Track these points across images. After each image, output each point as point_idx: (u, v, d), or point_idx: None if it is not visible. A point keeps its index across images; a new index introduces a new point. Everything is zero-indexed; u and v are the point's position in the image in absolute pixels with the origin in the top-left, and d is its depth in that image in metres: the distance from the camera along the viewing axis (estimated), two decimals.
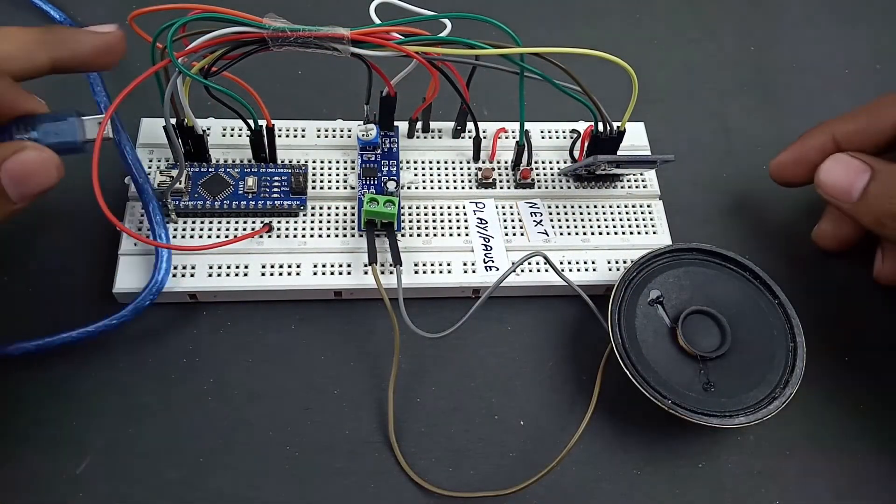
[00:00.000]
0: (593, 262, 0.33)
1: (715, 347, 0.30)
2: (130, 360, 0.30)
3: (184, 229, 0.32)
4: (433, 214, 0.33)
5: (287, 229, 0.32)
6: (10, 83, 0.26)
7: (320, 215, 0.33)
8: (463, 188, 0.34)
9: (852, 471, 0.30)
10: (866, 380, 0.33)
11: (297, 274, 0.31)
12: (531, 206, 0.34)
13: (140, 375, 0.30)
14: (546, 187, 0.35)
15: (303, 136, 0.35)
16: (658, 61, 0.42)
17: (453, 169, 0.35)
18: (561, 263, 0.33)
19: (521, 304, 0.33)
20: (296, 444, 0.29)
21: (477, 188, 0.34)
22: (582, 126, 0.36)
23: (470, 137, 0.35)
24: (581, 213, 0.34)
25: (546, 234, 0.33)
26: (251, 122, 0.31)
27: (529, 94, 0.31)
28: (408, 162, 0.35)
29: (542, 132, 0.36)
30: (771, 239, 0.36)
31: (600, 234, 0.34)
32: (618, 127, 0.32)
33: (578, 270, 0.33)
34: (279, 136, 0.34)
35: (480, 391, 0.31)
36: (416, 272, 0.32)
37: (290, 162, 0.33)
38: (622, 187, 0.35)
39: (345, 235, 0.32)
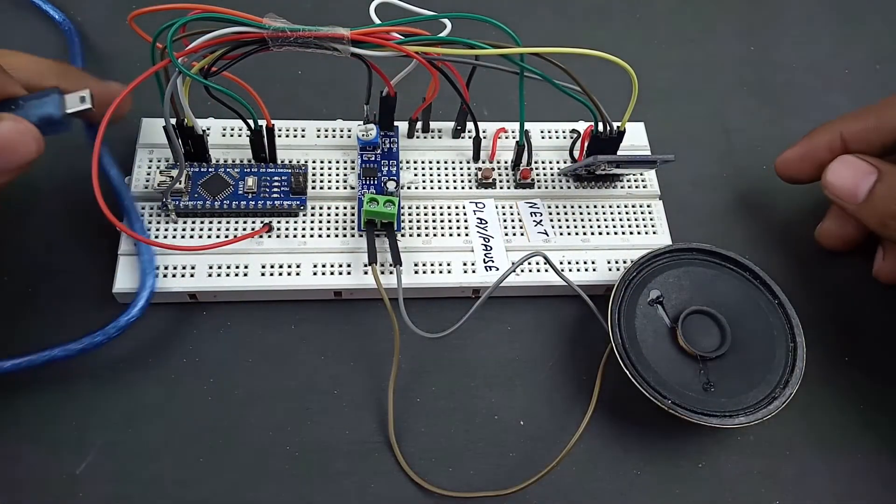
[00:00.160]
0: (593, 262, 0.33)
1: (715, 347, 0.30)
2: (130, 360, 0.30)
3: (184, 229, 0.32)
4: (433, 214, 0.33)
5: (287, 229, 0.32)
6: (1, 69, 0.27)
7: (320, 215, 0.33)
8: (463, 188, 0.34)
9: (852, 471, 0.30)
10: (866, 380, 0.33)
11: (297, 274, 0.31)
12: (531, 206, 0.34)
13: (140, 375, 0.30)
14: (546, 187, 0.35)
15: (303, 136, 0.35)
16: (658, 61, 0.42)
17: (453, 169, 0.35)
18: (561, 263, 0.33)
19: (521, 304, 0.33)
20: (296, 445, 0.29)
21: (477, 188, 0.34)
22: (582, 126, 0.36)
23: (470, 137, 0.35)
24: (581, 213, 0.34)
25: (546, 234, 0.33)
26: (251, 122, 0.31)
27: (529, 94, 0.31)
28: (408, 162, 0.35)
29: (542, 132, 0.36)
30: (771, 239, 0.36)
31: (600, 234, 0.34)
32: (618, 127, 0.32)
33: (578, 270, 0.33)
34: (279, 136, 0.34)
35: (480, 391, 0.31)
36: (416, 272, 0.32)
37: (290, 162, 0.33)
38: (622, 187, 0.35)
39: (345, 235, 0.32)
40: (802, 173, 0.34)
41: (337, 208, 0.33)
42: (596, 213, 0.34)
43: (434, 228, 0.33)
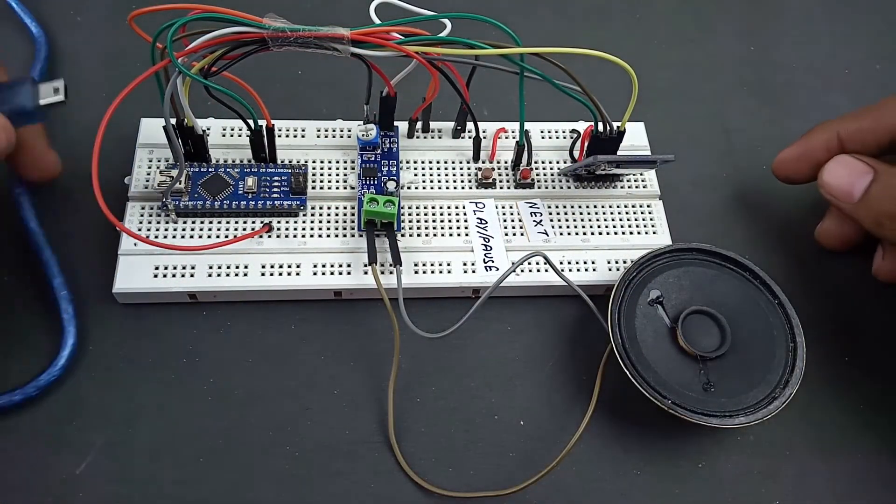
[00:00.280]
0: (593, 262, 0.33)
1: (715, 347, 0.30)
2: (130, 361, 0.30)
3: (183, 229, 0.32)
4: (433, 214, 0.33)
5: (287, 229, 0.32)
6: None
7: (320, 215, 0.33)
8: (463, 188, 0.34)
9: (852, 471, 0.30)
10: (866, 380, 0.33)
11: (297, 274, 0.31)
12: (531, 206, 0.34)
13: (140, 376, 0.30)
14: (546, 187, 0.35)
15: (303, 136, 0.35)
16: (658, 61, 0.42)
17: (453, 169, 0.35)
18: (561, 263, 0.33)
19: (521, 304, 0.33)
20: (296, 444, 0.29)
21: (477, 188, 0.34)
22: (582, 126, 0.36)
23: (470, 137, 0.35)
24: (581, 213, 0.34)
25: (546, 234, 0.33)
26: (251, 122, 0.31)
27: (529, 94, 0.31)
28: (408, 162, 0.35)
29: (542, 132, 0.36)
30: (771, 239, 0.36)
31: (600, 234, 0.34)
32: (618, 127, 0.32)
33: (578, 270, 0.33)
34: (279, 136, 0.34)
35: (480, 391, 0.31)
36: (416, 272, 0.32)
37: (290, 162, 0.33)
38: (622, 187, 0.35)
39: (345, 235, 0.32)
40: (799, 173, 0.34)
41: (337, 208, 0.33)
42: (596, 213, 0.34)
43: (434, 228, 0.33)
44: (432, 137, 0.36)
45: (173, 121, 0.30)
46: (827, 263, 0.35)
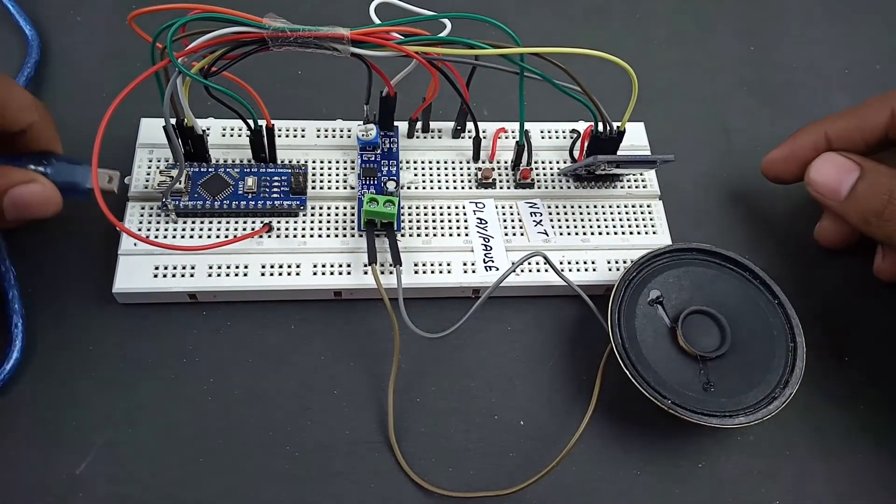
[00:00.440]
0: (593, 262, 0.33)
1: (715, 347, 0.30)
2: (130, 360, 0.30)
3: (183, 229, 0.32)
4: (433, 214, 0.33)
5: (287, 229, 0.32)
6: (53, 128, 0.30)
7: (320, 215, 0.33)
8: (463, 188, 0.34)
9: (852, 471, 0.30)
10: (866, 380, 0.33)
11: (297, 274, 0.31)
12: (531, 206, 0.34)
13: (140, 375, 0.30)
14: (546, 187, 0.35)
15: (303, 136, 0.35)
16: (658, 61, 0.42)
17: (453, 169, 0.35)
18: (561, 263, 0.33)
19: (521, 304, 0.33)
20: (296, 444, 0.29)
21: (477, 188, 0.34)
22: (582, 126, 0.36)
23: (470, 137, 0.35)
24: (581, 213, 0.34)
25: (546, 234, 0.33)
26: (251, 122, 0.31)
27: (529, 94, 0.31)
28: (408, 162, 0.35)
29: (542, 132, 0.36)
30: (770, 238, 0.36)
31: (600, 234, 0.34)
32: (618, 127, 0.32)
33: (578, 270, 0.33)
34: (279, 136, 0.34)
35: (480, 391, 0.31)
36: (416, 272, 0.32)
37: (290, 162, 0.33)
38: (622, 187, 0.35)
39: (345, 235, 0.32)
40: (788, 173, 0.34)
41: (337, 208, 0.33)
42: (596, 213, 0.34)
43: (434, 228, 0.33)
44: (432, 137, 0.36)
45: (173, 121, 0.30)
46: (827, 263, 0.35)
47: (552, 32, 0.42)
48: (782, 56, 0.43)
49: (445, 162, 0.35)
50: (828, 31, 0.44)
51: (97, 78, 0.37)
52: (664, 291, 0.31)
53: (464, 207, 0.34)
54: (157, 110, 0.29)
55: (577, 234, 0.34)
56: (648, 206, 0.35)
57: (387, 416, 0.29)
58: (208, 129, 0.34)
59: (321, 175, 0.34)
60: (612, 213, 0.34)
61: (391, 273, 0.31)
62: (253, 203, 0.32)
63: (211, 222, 0.32)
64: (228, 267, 0.31)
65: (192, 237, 0.31)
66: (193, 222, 0.32)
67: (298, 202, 0.32)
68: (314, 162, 0.34)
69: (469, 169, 0.35)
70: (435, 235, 0.33)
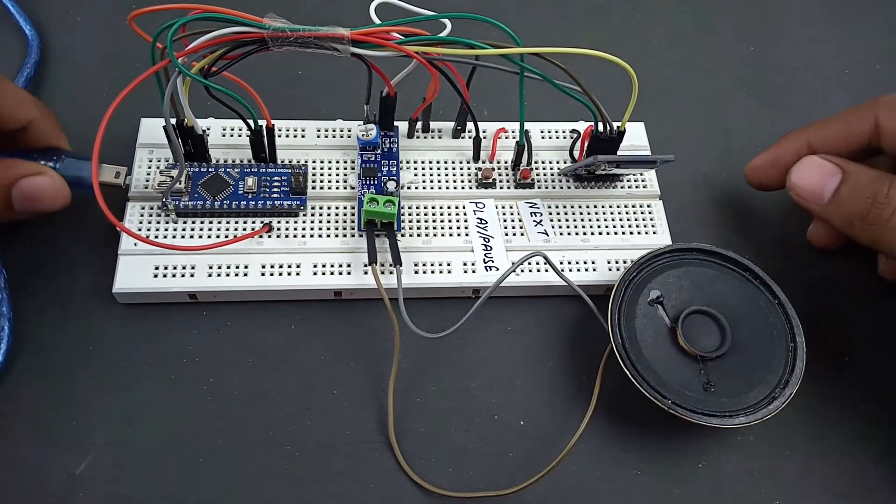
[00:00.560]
0: (593, 262, 0.33)
1: (715, 347, 0.30)
2: (130, 361, 0.30)
3: (183, 229, 0.32)
4: (433, 214, 0.33)
5: (287, 229, 0.32)
6: (55, 124, 0.31)
7: (320, 215, 0.33)
8: (463, 188, 0.34)
9: (852, 471, 0.30)
10: (866, 380, 0.33)
11: (297, 274, 0.31)
12: (531, 206, 0.34)
13: (140, 375, 0.30)
14: (546, 187, 0.35)
15: (303, 136, 0.35)
16: (658, 61, 0.42)
17: (453, 169, 0.35)
18: (561, 263, 0.33)
19: (521, 304, 0.33)
20: (296, 444, 0.29)
21: (477, 188, 0.34)
22: (582, 126, 0.36)
23: (470, 137, 0.35)
24: (581, 213, 0.34)
25: (546, 234, 0.33)
26: (251, 122, 0.31)
27: (529, 94, 0.31)
28: (408, 162, 0.35)
29: (542, 132, 0.36)
30: (771, 238, 0.36)
31: (600, 234, 0.34)
32: (618, 127, 0.32)
33: (578, 270, 0.33)
34: (279, 136, 0.34)
35: (480, 391, 0.31)
36: (416, 272, 0.32)
37: (290, 162, 0.33)
38: (622, 187, 0.35)
39: (345, 235, 0.32)
40: (771, 180, 0.34)
41: (337, 208, 0.33)
42: (596, 213, 0.34)
43: (434, 228, 0.33)
44: (432, 137, 0.36)
45: (173, 121, 0.30)
46: (826, 263, 0.35)
47: (552, 32, 0.42)
48: (782, 56, 0.43)
49: (445, 162, 0.35)
50: (828, 31, 0.44)
51: (97, 78, 0.37)
52: (664, 291, 0.31)
53: (464, 207, 0.34)
54: (157, 110, 0.29)
55: (577, 234, 0.34)
56: (648, 206, 0.35)
57: (387, 416, 0.29)
58: (208, 129, 0.34)
59: (321, 175, 0.34)
60: (612, 213, 0.34)
61: (391, 273, 0.31)
62: (253, 203, 0.32)
63: (211, 222, 0.32)
64: (228, 267, 0.31)
65: (192, 237, 0.31)
66: (193, 222, 0.32)
67: (298, 202, 0.32)
68: (314, 162, 0.34)
69: (469, 169, 0.35)
70: (435, 235, 0.33)
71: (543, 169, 0.35)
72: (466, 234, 0.33)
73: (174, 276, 0.30)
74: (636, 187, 0.35)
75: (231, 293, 0.31)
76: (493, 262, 0.32)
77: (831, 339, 0.33)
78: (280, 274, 0.31)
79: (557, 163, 0.36)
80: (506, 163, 0.35)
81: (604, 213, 0.34)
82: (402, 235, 0.32)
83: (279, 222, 0.32)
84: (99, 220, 0.27)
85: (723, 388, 0.29)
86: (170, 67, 0.27)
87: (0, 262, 0.31)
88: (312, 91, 0.38)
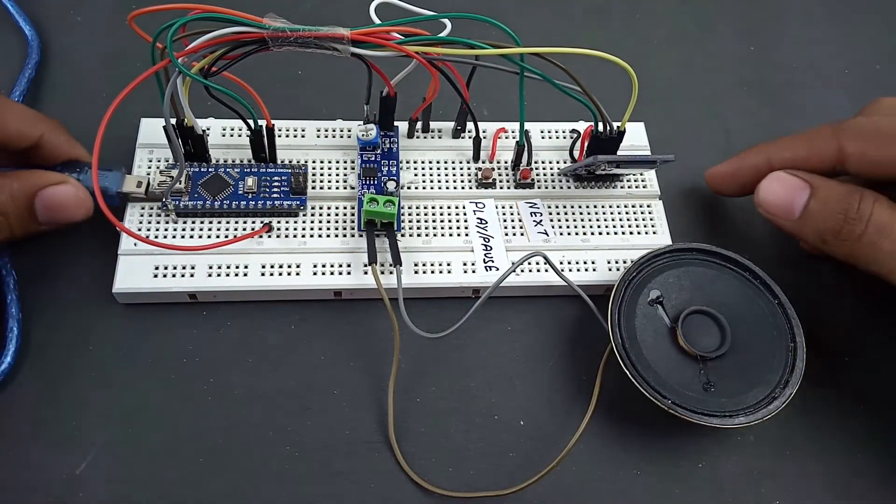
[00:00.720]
0: (593, 262, 0.33)
1: (715, 347, 0.30)
2: (130, 361, 0.30)
3: (183, 229, 0.32)
4: (433, 214, 0.33)
5: (287, 229, 0.32)
6: (68, 136, 0.31)
7: (320, 215, 0.33)
8: (463, 188, 0.34)
9: (852, 471, 0.30)
10: (866, 380, 0.33)
11: (297, 274, 0.31)
12: (531, 206, 0.34)
13: (140, 375, 0.30)
14: (546, 187, 0.35)
15: (303, 136, 0.35)
16: (658, 61, 0.42)
17: (453, 169, 0.35)
18: (561, 263, 0.33)
19: (521, 304, 0.33)
20: (296, 444, 0.29)
21: (477, 188, 0.34)
22: (582, 126, 0.36)
23: (470, 137, 0.35)
24: (581, 213, 0.34)
25: (546, 234, 0.33)
26: (251, 122, 0.31)
27: (529, 94, 0.31)
28: (408, 162, 0.35)
29: (542, 132, 0.36)
30: (771, 238, 0.36)
31: (600, 234, 0.34)
32: (618, 127, 0.32)
33: (578, 270, 0.33)
34: (279, 136, 0.34)
35: (480, 391, 0.31)
36: (416, 272, 0.32)
37: (290, 162, 0.33)
38: (622, 187, 0.35)
39: (345, 235, 0.32)
40: (729, 190, 0.34)
41: (337, 208, 0.33)
42: (596, 213, 0.34)
43: (434, 228, 0.33)
44: (432, 137, 0.36)
45: (173, 121, 0.30)
46: (826, 264, 0.35)
47: (552, 32, 0.42)
48: (782, 56, 0.43)
49: (445, 162, 0.35)
50: (828, 31, 0.44)
51: (97, 78, 0.37)
52: (664, 291, 0.31)
53: (464, 207, 0.34)
54: (157, 110, 0.29)
55: (577, 234, 0.34)
56: (648, 206, 0.35)
57: (387, 416, 0.29)
58: (208, 129, 0.34)
59: (321, 175, 0.34)
60: (612, 213, 0.34)
61: (391, 273, 0.31)
62: (253, 203, 0.32)
63: (211, 222, 0.32)
64: (228, 267, 0.31)
65: (192, 237, 0.31)
66: (193, 222, 0.32)
67: (298, 202, 0.32)
68: (314, 162, 0.34)
69: (469, 169, 0.35)
70: (435, 235, 0.33)
71: (543, 169, 0.35)
72: (466, 234, 0.33)
73: (174, 276, 0.30)
74: (636, 187, 0.35)
75: (231, 293, 0.31)
76: (493, 262, 0.32)
77: (831, 339, 0.33)
78: (280, 274, 0.31)
79: (557, 163, 0.36)
80: (506, 163, 0.35)
81: (604, 213, 0.34)
82: (402, 235, 0.32)
83: (279, 222, 0.32)
84: (99, 220, 0.27)
85: (723, 388, 0.29)
86: (170, 67, 0.27)
87: (11, 266, 0.31)
88: (312, 91, 0.38)
